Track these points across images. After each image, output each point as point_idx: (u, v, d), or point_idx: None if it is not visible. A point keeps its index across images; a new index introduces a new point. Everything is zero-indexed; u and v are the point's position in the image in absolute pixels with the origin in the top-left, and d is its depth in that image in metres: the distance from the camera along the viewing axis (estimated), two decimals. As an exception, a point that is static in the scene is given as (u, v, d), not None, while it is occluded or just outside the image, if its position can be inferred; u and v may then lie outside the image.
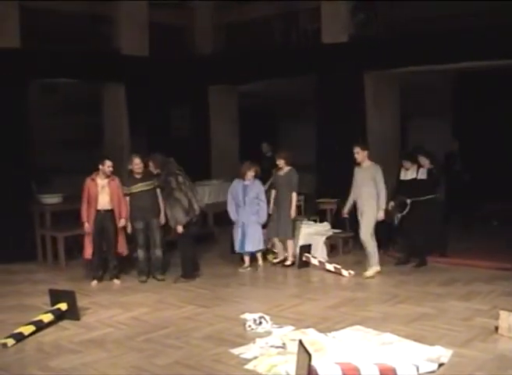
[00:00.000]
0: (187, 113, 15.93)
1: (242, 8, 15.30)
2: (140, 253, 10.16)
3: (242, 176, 10.64)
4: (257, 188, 10.64)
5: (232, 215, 10.73)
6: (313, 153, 14.01)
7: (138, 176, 10.11)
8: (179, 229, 9.96)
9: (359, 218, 10.11)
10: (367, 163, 10.13)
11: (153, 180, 10.14)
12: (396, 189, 10.66)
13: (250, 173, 10.60)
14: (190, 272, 10.14)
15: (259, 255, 10.87)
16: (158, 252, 10.21)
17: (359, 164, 10.17)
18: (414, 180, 10.55)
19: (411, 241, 10.62)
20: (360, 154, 10.06)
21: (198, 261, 10.57)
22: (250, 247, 10.67)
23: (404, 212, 10.41)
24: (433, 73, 14.41)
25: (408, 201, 10.36)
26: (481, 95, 15.25)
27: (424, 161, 10.60)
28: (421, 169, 10.58)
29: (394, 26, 12.92)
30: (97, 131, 14.50)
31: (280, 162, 10.79)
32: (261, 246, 10.80)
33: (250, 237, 10.60)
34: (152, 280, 10.18)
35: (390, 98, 13.82)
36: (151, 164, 10.10)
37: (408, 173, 10.63)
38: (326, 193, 12.73)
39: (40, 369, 6.46)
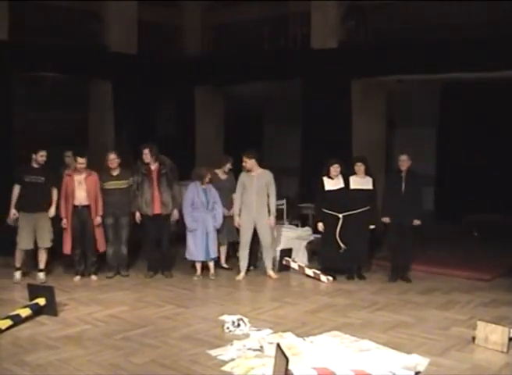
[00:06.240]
0: (173, 112, 15.92)
1: (232, 9, 15.32)
2: (109, 249, 10.21)
3: (201, 179, 10.17)
4: (214, 192, 10.22)
5: (190, 222, 10.07)
6: (298, 157, 14.05)
7: (114, 173, 10.13)
8: (177, 215, 10.16)
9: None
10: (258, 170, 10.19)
11: (128, 179, 10.17)
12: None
13: (208, 177, 10.20)
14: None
15: (212, 264, 10.32)
16: (124, 249, 10.28)
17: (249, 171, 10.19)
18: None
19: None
20: (248, 163, 10.11)
21: None
22: (213, 253, 10.21)
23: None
24: (420, 82, 14.50)
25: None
26: (467, 106, 15.35)
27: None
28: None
29: (383, 34, 12.99)
30: (83, 127, 14.45)
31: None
32: (217, 253, 10.43)
33: (213, 243, 10.19)
34: (133, 277, 10.25)
35: (377, 105, 13.89)
36: (147, 152, 10.06)
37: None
38: (309, 198, 12.73)
39: (15, 364, 6.40)
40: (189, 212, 10.09)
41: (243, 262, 10.35)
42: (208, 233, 10.13)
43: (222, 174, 10.77)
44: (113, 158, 10.07)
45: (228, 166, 10.82)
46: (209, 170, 10.38)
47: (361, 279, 10.20)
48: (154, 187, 10.11)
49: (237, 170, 10.89)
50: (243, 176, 10.25)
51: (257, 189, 10.12)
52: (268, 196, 10.18)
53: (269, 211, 10.23)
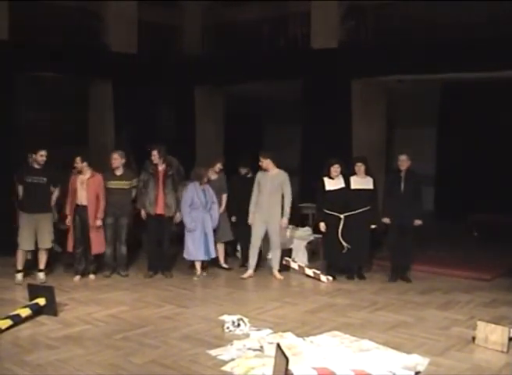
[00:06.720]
0: (173, 112, 15.90)
1: (231, 9, 15.31)
2: (108, 249, 10.23)
3: (200, 179, 10.20)
4: (212, 192, 10.28)
5: (189, 222, 10.06)
6: (298, 157, 14.04)
7: (117, 173, 10.20)
8: (180, 217, 10.19)
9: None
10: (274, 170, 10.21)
11: (131, 180, 10.24)
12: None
13: (207, 177, 10.30)
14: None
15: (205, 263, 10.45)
16: (123, 249, 10.33)
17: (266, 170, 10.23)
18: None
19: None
20: (263, 162, 10.14)
21: None
22: (214, 252, 10.31)
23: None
24: (420, 82, 14.50)
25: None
26: (467, 106, 15.35)
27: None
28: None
29: (383, 34, 12.98)
30: (82, 127, 14.43)
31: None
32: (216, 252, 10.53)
33: (212, 242, 10.23)
34: (132, 277, 10.29)
35: (377, 105, 13.88)
36: (155, 153, 10.12)
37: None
38: (309, 198, 12.71)
39: (15, 364, 6.39)
40: (187, 212, 10.08)
41: (253, 260, 10.35)
42: (206, 233, 10.15)
43: (212, 174, 10.76)
44: (115, 158, 10.13)
45: (218, 165, 10.85)
46: (208, 169, 10.45)
47: (361, 279, 10.20)
48: (159, 188, 10.15)
49: (231, 171, 10.97)
50: (259, 175, 10.30)
51: (270, 189, 10.13)
52: (283, 196, 10.17)
53: (283, 212, 10.20)
